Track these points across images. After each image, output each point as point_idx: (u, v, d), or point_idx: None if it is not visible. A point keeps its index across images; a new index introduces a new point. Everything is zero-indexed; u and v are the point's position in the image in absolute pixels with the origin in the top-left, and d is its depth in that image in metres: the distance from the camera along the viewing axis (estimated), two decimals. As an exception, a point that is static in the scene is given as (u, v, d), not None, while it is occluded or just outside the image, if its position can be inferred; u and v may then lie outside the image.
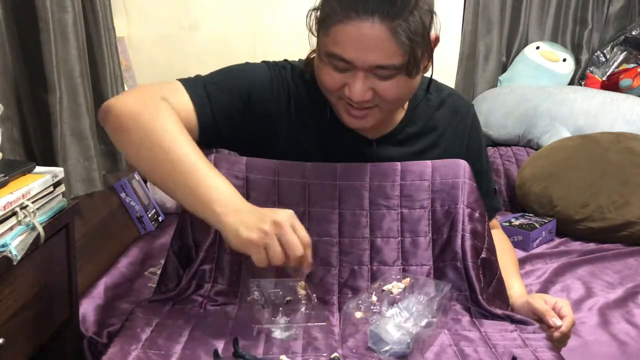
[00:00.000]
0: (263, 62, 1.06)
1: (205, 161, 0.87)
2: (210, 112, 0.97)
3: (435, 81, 1.09)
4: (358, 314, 0.87)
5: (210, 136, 0.99)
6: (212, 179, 0.84)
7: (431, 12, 0.90)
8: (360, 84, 0.89)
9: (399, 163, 1.05)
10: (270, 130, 1.04)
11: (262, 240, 0.79)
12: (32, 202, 1.01)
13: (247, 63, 1.06)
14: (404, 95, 0.95)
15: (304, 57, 1.07)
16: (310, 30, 0.96)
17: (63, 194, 1.14)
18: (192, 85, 0.98)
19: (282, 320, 0.86)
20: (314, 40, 0.96)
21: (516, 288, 1.09)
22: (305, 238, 0.82)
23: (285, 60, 1.08)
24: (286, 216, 0.81)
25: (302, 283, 0.91)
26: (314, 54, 0.98)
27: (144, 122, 0.88)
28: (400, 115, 1.06)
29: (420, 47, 0.88)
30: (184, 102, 0.96)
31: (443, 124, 1.09)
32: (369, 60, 0.88)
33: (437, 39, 0.95)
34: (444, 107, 1.09)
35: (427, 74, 1.02)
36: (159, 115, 0.89)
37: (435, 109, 1.09)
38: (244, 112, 1.01)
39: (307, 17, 0.95)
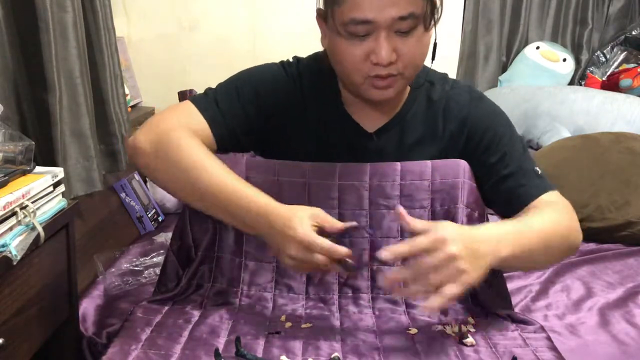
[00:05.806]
0: (272, 62, 1.08)
1: (236, 181, 0.91)
2: (224, 125, 1.00)
3: (437, 72, 1.09)
4: None
5: (227, 145, 1.02)
6: (245, 201, 0.89)
7: None
8: (385, 44, 0.89)
9: (398, 163, 1.04)
10: (279, 125, 1.05)
11: (298, 265, 0.85)
12: (32, 202, 1.01)
13: (255, 66, 1.08)
14: (421, 55, 0.95)
15: (303, 57, 1.08)
16: (319, 15, 0.96)
17: (63, 194, 1.14)
18: (204, 102, 1.01)
19: None
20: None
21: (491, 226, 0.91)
22: (323, 246, 0.82)
23: (295, 57, 1.09)
24: (303, 232, 0.83)
25: None
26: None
27: (169, 160, 0.93)
28: (398, 105, 1.06)
29: None
30: (199, 122, 0.99)
31: (440, 114, 1.06)
32: (391, 13, 0.87)
33: (441, 3, 0.95)
34: (442, 97, 1.07)
35: (430, 64, 1.03)
36: (180, 148, 0.93)
37: (433, 99, 1.07)
38: (258, 113, 1.03)
39: (316, 1, 0.96)
